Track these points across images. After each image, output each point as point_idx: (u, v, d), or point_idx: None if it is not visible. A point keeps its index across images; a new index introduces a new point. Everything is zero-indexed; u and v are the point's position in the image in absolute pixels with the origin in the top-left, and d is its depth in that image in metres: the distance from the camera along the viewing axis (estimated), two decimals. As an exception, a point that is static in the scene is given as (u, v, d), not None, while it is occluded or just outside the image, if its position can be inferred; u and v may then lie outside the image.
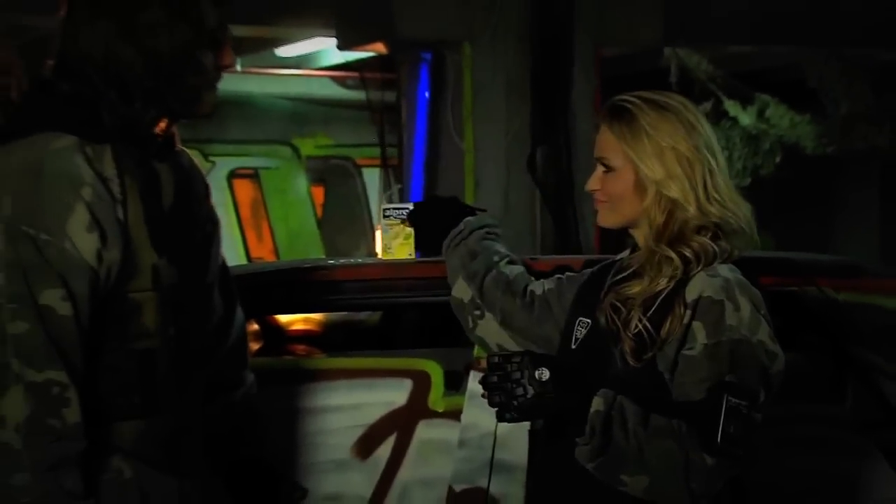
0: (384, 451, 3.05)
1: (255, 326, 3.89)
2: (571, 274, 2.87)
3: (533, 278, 2.88)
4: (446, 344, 3.37)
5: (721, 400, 2.39)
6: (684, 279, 2.52)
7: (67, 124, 2.30)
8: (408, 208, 3.05)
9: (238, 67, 9.51)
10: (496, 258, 2.89)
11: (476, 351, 2.99)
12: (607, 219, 2.65)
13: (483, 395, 2.41)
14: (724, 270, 2.53)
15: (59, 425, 2.22)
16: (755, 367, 2.45)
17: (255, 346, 3.74)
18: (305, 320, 4.06)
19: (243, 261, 11.04)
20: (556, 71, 7.36)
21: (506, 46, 7.43)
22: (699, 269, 2.52)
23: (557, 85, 7.37)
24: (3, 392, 2.21)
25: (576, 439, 2.40)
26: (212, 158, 11.12)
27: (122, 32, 2.31)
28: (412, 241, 3.05)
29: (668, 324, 2.49)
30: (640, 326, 2.50)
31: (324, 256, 11.35)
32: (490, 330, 2.85)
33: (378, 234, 3.11)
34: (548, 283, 2.84)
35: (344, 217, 11.93)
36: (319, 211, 11.98)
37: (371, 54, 8.58)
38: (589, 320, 2.63)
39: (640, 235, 2.63)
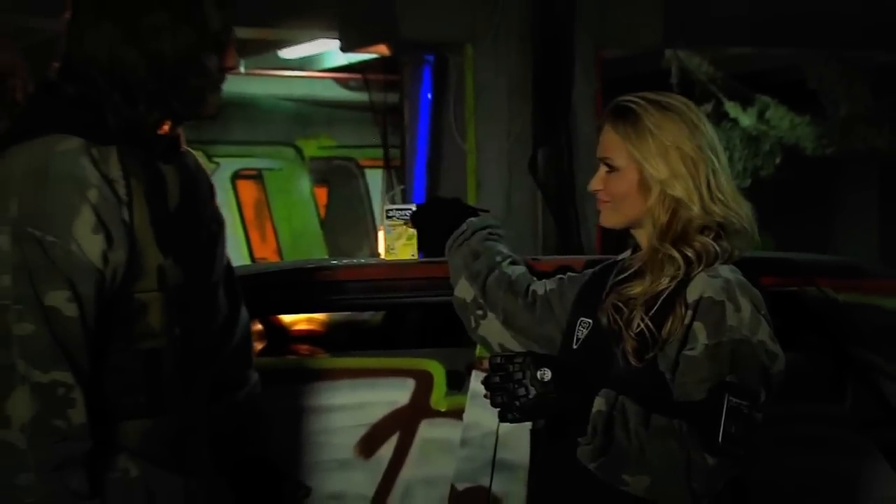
0: (387, 450, 3.06)
1: (259, 326, 3.90)
2: (573, 274, 2.87)
3: (535, 278, 2.89)
4: (449, 344, 3.38)
5: (722, 400, 2.39)
6: (685, 280, 2.53)
7: (73, 126, 2.31)
8: (410, 209, 3.05)
9: (242, 69, 9.49)
10: (499, 258, 2.90)
11: (478, 351, 3.00)
12: (610, 219, 2.65)
13: (485, 396, 2.42)
14: (725, 271, 2.54)
15: (65, 426, 2.22)
16: (756, 367, 2.45)
17: (258, 346, 3.75)
18: (309, 320, 4.06)
19: (247, 261, 11.03)
20: (558, 72, 7.38)
21: (508, 48, 7.44)
22: (700, 269, 2.53)
23: (559, 86, 7.38)
24: (9, 393, 2.21)
25: (578, 439, 2.40)
26: (216, 159, 11.11)
27: (126, 35, 2.32)
28: (415, 241, 3.06)
29: (669, 324, 2.49)
30: (642, 326, 2.50)
31: (327, 257, 11.33)
32: (492, 330, 2.86)
33: (381, 234, 3.11)
34: (549, 284, 2.85)
35: (347, 218, 11.92)
36: (322, 212, 11.98)
37: (374, 56, 8.59)
38: (590, 320, 2.64)
39: (643, 235, 2.63)
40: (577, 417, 2.40)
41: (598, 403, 2.38)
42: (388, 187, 10.41)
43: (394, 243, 3.07)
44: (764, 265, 3.09)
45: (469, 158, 7.55)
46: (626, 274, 2.64)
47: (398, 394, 3.09)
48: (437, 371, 3.11)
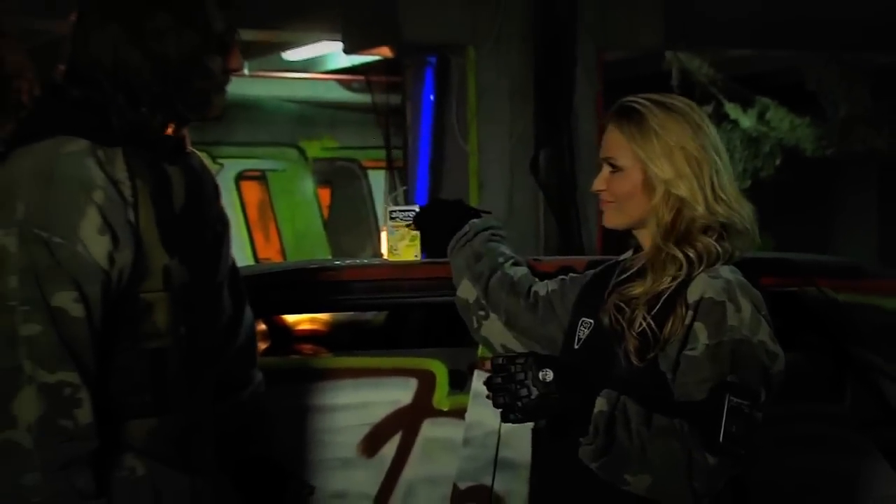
0: (390, 449, 3.06)
1: (263, 326, 3.91)
2: (574, 275, 2.88)
3: (537, 279, 2.90)
4: (451, 344, 3.38)
5: (723, 400, 2.39)
6: (686, 280, 2.53)
7: (79, 128, 2.31)
8: (413, 210, 3.06)
9: (246, 71, 9.50)
10: (501, 259, 2.91)
11: (480, 351, 3.01)
12: (613, 219, 2.66)
13: (487, 397, 2.42)
14: (726, 272, 2.54)
15: (71, 426, 2.23)
16: (756, 367, 2.46)
17: (262, 346, 3.76)
18: (312, 320, 4.08)
19: (251, 261, 11.04)
20: (559, 74, 7.39)
21: (509, 50, 7.45)
22: (701, 269, 2.53)
23: (560, 88, 7.39)
24: (16, 393, 2.21)
25: (579, 439, 2.41)
26: (220, 160, 11.11)
27: (131, 38, 2.32)
28: (418, 242, 3.06)
29: (670, 324, 2.50)
30: (644, 325, 2.51)
31: (330, 257, 11.34)
32: (494, 330, 2.87)
33: (384, 235, 3.12)
34: (551, 284, 2.86)
35: (350, 218, 11.92)
36: (326, 212, 11.98)
37: (377, 58, 8.59)
38: (592, 321, 2.64)
39: (645, 236, 2.64)
40: (578, 417, 2.40)
41: (600, 403, 2.39)
42: (391, 188, 10.42)
43: (397, 244, 3.08)
44: (764, 265, 3.09)
45: (471, 159, 7.55)
46: (627, 274, 2.64)
47: (401, 393, 3.10)
48: (440, 371, 3.11)
